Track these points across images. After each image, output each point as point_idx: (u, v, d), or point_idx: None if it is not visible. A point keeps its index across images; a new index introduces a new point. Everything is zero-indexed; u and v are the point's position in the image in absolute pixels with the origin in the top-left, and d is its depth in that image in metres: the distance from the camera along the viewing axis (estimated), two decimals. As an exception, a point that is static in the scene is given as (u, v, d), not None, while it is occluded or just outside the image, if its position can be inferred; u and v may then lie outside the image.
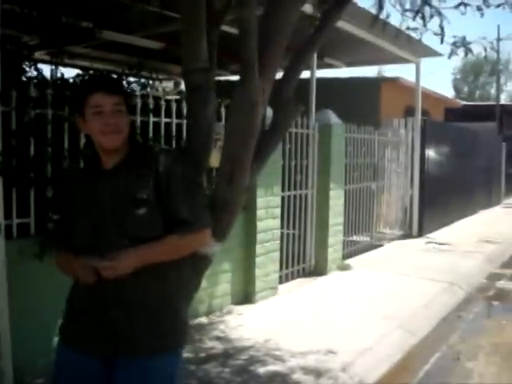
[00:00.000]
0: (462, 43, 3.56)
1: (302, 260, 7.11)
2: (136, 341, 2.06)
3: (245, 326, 5.18)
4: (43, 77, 5.09)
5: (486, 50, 4.03)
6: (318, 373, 4.17)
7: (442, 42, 3.39)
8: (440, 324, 5.65)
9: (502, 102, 32.40)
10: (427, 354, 4.88)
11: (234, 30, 3.85)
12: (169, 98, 5.75)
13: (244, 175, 2.57)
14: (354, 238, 8.48)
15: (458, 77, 49.20)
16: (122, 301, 2.06)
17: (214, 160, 3.14)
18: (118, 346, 2.07)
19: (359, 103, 10.98)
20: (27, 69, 5.30)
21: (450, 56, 3.54)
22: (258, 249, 5.92)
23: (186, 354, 4.30)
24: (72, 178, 2.38)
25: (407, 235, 10.26)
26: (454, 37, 3.54)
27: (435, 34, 3.31)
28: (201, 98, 2.55)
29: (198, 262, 2.46)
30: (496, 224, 12.73)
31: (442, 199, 11.57)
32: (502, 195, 18.59)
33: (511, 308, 6.55)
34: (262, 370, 4.19)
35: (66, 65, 8.29)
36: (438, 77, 76.90)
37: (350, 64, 11.18)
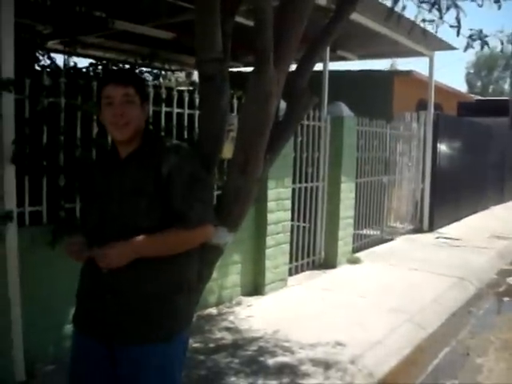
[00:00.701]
0: (479, 36, 3.52)
1: (312, 252, 7.11)
2: (128, 329, 2.11)
3: (254, 317, 5.19)
4: (56, 66, 5.10)
5: (502, 43, 3.97)
6: (326, 365, 4.18)
7: (458, 34, 3.35)
8: (450, 319, 5.64)
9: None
10: (437, 348, 4.87)
11: (248, 22, 3.84)
12: (181, 88, 5.75)
13: (257, 166, 2.56)
14: (365, 231, 8.46)
15: (472, 71, 48.81)
16: (116, 290, 2.10)
17: (227, 151, 3.14)
18: (113, 334, 2.13)
19: (372, 96, 10.93)
20: (40, 57, 5.31)
21: (465, 49, 3.51)
22: (269, 241, 5.92)
23: (195, 344, 4.34)
24: (92, 166, 2.46)
25: (418, 230, 10.21)
26: (471, 30, 3.50)
27: (451, 26, 3.28)
28: (215, 89, 2.54)
29: (208, 253, 2.46)
30: (508, 220, 12.63)
31: (453, 194, 11.51)
32: (514, 191, 18.43)
33: (522, 304, 6.51)
34: (271, 361, 4.20)
35: (78, 54, 8.32)
36: (451, 71, 76.28)
37: (362, 57, 11.10)
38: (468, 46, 3.53)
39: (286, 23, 2.58)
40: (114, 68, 5.55)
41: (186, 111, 5.01)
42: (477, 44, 3.68)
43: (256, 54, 2.47)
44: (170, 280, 2.14)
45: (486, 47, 3.71)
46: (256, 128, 2.48)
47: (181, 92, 5.13)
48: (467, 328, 5.50)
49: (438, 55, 10.44)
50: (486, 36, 3.57)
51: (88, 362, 2.20)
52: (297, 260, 6.75)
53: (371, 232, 8.72)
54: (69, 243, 2.18)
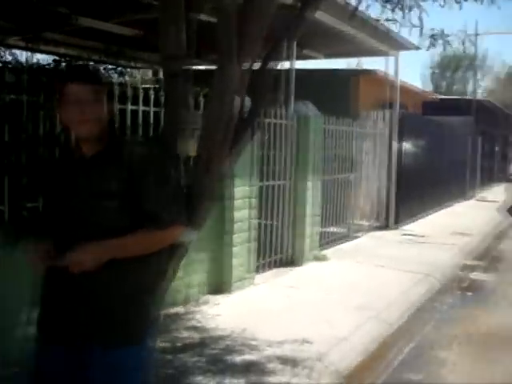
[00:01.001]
0: (441, 36, 3.58)
1: (280, 250, 7.13)
2: (100, 333, 2.08)
3: (221, 315, 5.18)
4: (19, 62, 5.01)
5: (463, 43, 4.06)
6: (294, 362, 4.19)
7: (421, 33, 3.41)
8: (415, 314, 5.72)
9: (479, 97, 32.91)
10: (402, 343, 4.93)
11: (213, 19, 3.82)
12: (147, 86, 5.71)
13: (221, 163, 2.56)
14: (331, 229, 8.52)
15: (437, 71, 49.60)
16: (87, 292, 2.07)
17: (192, 149, 3.13)
18: (84, 338, 2.09)
19: (338, 95, 11.04)
20: (2, 54, 5.21)
21: (428, 48, 3.58)
22: (235, 239, 5.92)
23: (162, 344, 4.30)
24: (54, 164, 2.39)
25: (384, 227, 10.35)
26: (433, 29, 3.56)
27: (414, 25, 3.33)
28: (179, 86, 2.53)
29: (172, 251, 2.44)
30: (471, 217, 12.90)
31: (418, 192, 11.69)
32: (476, 188, 18.84)
33: (484, 299, 6.64)
34: (238, 359, 4.20)
35: (41, 51, 8.17)
36: (416, 71, 77.52)
37: (329, 56, 11.22)
38: (430, 46, 3.60)
39: (250, 21, 2.58)
40: (76, 65, 5.47)
41: (152, 109, 4.97)
42: (440, 44, 3.75)
43: (219, 51, 2.47)
44: (141, 280, 2.12)
45: (448, 47, 3.78)
46: (219, 125, 2.48)
47: (147, 90, 5.09)
48: (432, 323, 5.59)
49: (404, 55, 10.61)
50: (448, 36, 3.64)
51: (54, 369, 2.14)
52: (264, 258, 6.76)
53: (338, 229, 8.79)
54: (32, 251, 2.11)
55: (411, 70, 62.66)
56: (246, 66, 2.59)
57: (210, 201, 2.62)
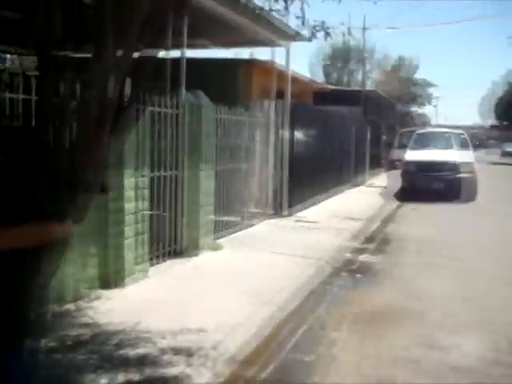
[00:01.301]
0: (322, 27, 3.69)
1: (174, 241, 7.06)
2: None
3: (114, 310, 5.05)
4: None
5: (344, 35, 4.21)
6: (189, 352, 4.19)
7: (303, 23, 3.49)
8: (307, 297, 5.89)
9: (368, 88, 34.49)
10: (294, 327, 5.07)
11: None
12: (30, 73, 5.42)
13: (99, 152, 2.47)
14: (226, 218, 8.57)
15: (328, 63, 51.16)
16: None
17: (66, 137, 3.01)
18: None
19: (230, 85, 11.08)
20: None
21: (310, 39, 3.66)
22: (127, 231, 5.78)
23: (51, 344, 4.13)
24: None
25: (277, 215, 10.55)
26: (315, 21, 3.66)
27: (297, 16, 3.40)
28: (53, 72, 2.41)
29: (53, 247, 2.34)
30: (361, 202, 13.50)
31: (310, 179, 12.03)
32: (366, 175, 19.71)
33: (372, 280, 6.97)
34: (132, 353, 4.12)
35: None
36: (308, 62, 79.48)
37: (222, 45, 11.22)
38: (312, 36, 3.70)
39: (127, 7, 2.51)
40: None
41: (34, 97, 4.73)
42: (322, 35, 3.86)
43: (95, 38, 2.38)
44: (23, 276, 2.02)
45: (329, 38, 3.90)
46: (96, 114, 2.39)
47: (28, 77, 4.84)
48: (323, 305, 5.79)
49: (297, 47, 10.84)
50: (329, 28, 3.76)
51: None
52: (158, 249, 6.67)
53: (232, 219, 8.86)
54: None
55: (303, 62, 64.25)
56: (124, 53, 2.51)
57: (89, 191, 2.53)
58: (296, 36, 9.97)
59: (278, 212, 10.64)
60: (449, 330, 5.12)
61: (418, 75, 54.89)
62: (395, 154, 22.30)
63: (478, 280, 6.92)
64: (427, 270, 7.38)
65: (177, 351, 4.20)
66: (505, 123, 55.38)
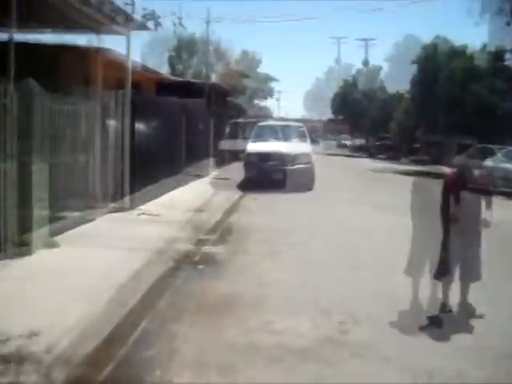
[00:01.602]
0: (152, 16, 3.62)
1: (3, 241, 6.54)
2: None
3: None
4: None
5: (175, 24, 4.17)
6: (19, 359, 3.95)
7: (133, 11, 3.39)
8: (148, 292, 5.78)
9: (213, 80, 34.84)
10: (136, 323, 4.97)
11: None
12: None
13: None
14: (64, 213, 8.15)
15: (174, 54, 50.72)
16: None
17: None
18: None
19: (69, 72, 10.58)
20: None
21: (140, 28, 3.58)
22: None
23: None
24: None
25: (119, 208, 10.23)
26: (144, 9, 3.58)
27: (126, 3, 3.29)
28: None
29: None
30: (204, 194, 13.59)
31: (153, 172, 11.87)
32: (210, 167, 19.89)
33: (214, 269, 7.06)
34: None
35: None
36: (155, 53, 77.95)
37: (56, 30, 10.61)
38: (142, 25, 3.61)
39: None
40: None
41: None
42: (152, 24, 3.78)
43: None
44: None
45: (160, 27, 3.82)
46: None
47: None
48: (165, 299, 5.75)
49: (143, 36, 10.57)
50: (159, 17, 3.70)
51: None
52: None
53: (70, 214, 8.44)
54: None
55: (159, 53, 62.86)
56: None
57: None
58: (142, 27, 9.71)
59: (119, 205, 10.32)
60: (285, 314, 5.36)
61: (261, 70, 56.86)
62: (224, 144, 23.04)
63: (315, 265, 7.32)
64: (268, 258, 7.65)
65: (6, 359, 3.97)
66: (340, 117, 59.08)
